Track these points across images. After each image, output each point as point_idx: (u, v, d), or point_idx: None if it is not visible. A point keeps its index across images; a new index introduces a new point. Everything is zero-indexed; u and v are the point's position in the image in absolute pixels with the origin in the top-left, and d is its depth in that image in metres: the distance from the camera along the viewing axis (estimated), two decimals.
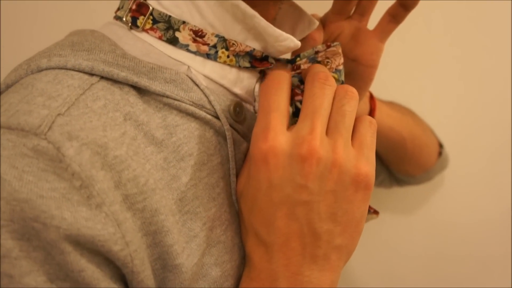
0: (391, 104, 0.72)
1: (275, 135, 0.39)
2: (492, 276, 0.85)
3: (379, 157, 0.74)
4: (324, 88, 0.41)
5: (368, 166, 0.40)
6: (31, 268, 0.33)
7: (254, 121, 0.46)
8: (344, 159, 0.39)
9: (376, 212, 0.50)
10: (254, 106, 0.48)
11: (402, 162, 0.74)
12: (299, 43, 0.44)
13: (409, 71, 0.85)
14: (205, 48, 0.43)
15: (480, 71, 0.82)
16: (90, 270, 0.35)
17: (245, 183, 0.42)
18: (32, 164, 0.34)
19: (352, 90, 0.42)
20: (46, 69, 0.39)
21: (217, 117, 0.43)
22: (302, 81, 0.45)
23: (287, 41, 0.43)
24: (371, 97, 0.63)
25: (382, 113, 0.65)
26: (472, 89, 0.83)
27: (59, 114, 0.35)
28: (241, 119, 0.45)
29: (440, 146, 0.80)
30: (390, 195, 0.88)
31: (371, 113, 0.63)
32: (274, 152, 0.39)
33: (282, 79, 0.42)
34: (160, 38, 0.43)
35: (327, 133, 0.40)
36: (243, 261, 0.44)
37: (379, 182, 0.78)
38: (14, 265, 0.33)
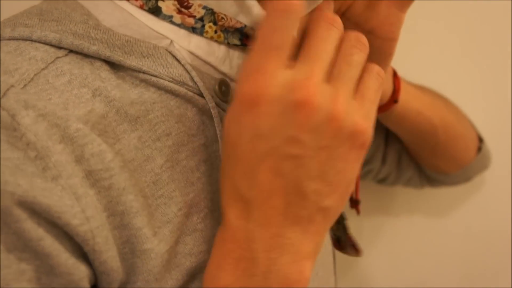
0: (420, 86, 0.64)
1: (269, 76, 0.33)
2: (492, 276, 0.84)
3: (407, 149, 0.65)
4: (330, 29, 0.36)
5: (367, 123, 0.35)
6: None
7: None
8: (345, 112, 0.34)
9: (358, 252, 0.46)
10: None
11: (433, 156, 0.64)
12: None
13: (409, 71, 0.85)
14: (190, 21, 0.39)
15: (480, 71, 0.81)
16: (49, 239, 0.32)
17: (226, 126, 0.36)
18: None
19: (365, 40, 0.36)
20: (9, 39, 0.36)
21: (201, 95, 0.39)
22: None
23: None
24: (395, 75, 0.55)
25: (409, 94, 0.56)
26: (471, 89, 0.82)
27: (12, 86, 0.33)
28: (227, 99, 0.41)
29: (480, 140, 0.69)
30: (390, 194, 0.87)
31: (395, 94, 0.54)
32: (265, 96, 0.33)
33: (293, 9, 0.33)
34: (141, 7, 0.39)
35: (328, 81, 0.35)
36: None
37: (406, 180, 0.70)
38: None
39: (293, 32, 0.34)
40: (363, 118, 0.35)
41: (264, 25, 0.34)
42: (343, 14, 0.44)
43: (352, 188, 0.37)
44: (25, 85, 0.33)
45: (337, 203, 0.36)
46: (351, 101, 0.35)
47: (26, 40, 0.36)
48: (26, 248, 0.32)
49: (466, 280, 0.85)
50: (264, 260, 0.35)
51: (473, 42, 0.80)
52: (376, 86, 0.37)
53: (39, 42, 0.36)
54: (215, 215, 0.40)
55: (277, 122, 0.33)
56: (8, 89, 0.32)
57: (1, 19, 0.41)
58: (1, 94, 0.32)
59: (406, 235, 0.89)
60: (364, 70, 0.37)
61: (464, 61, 0.84)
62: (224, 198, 0.37)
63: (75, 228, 0.33)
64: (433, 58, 0.85)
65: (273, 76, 0.33)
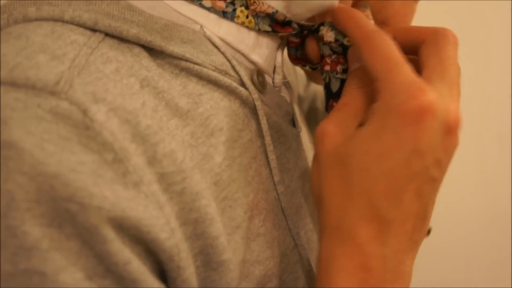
0: None
1: (430, 93, 0.31)
2: (492, 276, 0.85)
3: None
4: (457, 52, 0.35)
5: None
6: (66, 262, 0.26)
7: (274, 94, 0.39)
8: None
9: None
10: (273, 78, 0.41)
11: None
12: (336, 1, 0.37)
13: None
14: (221, 5, 0.36)
15: (480, 71, 0.82)
16: (136, 262, 0.27)
17: (360, 135, 0.32)
18: (51, 131, 0.26)
19: None
20: (36, 20, 0.31)
21: (243, 86, 0.36)
22: (334, 51, 0.39)
23: None
24: None
25: None
26: (472, 89, 0.83)
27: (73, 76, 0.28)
28: (265, 90, 0.38)
29: None
30: None
31: None
32: (433, 110, 0.31)
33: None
34: None
35: None
36: (283, 259, 0.37)
37: None
38: (46, 259, 0.26)
39: None
40: None
41: (367, 39, 0.35)
42: (356, 5, 0.42)
43: None
44: (79, 73, 0.28)
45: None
46: None
47: (56, 21, 0.31)
48: (107, 274, 0.27)
49: (467, 280, 0.85)
50: None
51: (473, 42, 0.81)
52: None
53: (72, 23, 0.31)
54: (271, 216, 0.37)
55: (435, 141, 0.32)
56: (73, 79, 0.28)
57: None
58: (66, 85, 0.27)
59: None
60: None
61: (464, 61, 0.83)
62: (351, 215, 0.32)
63: (162, 243, 0.28)
64: None
65: (432, 92, 0.32)
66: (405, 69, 0.33)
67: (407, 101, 0.31)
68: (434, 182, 0.33)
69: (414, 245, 0.33)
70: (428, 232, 0.43)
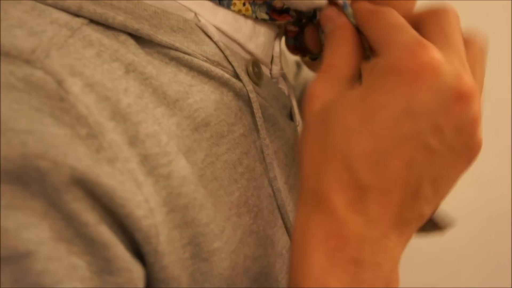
0: None
1: (436, 52, 0.29)
2: (492, 276, 0.84)
3: None
4: (459, 23, 0.32)
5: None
6: (29, 220, 0.25)
7: (270, 86, 0.38)
8: (481, 120, 0.30)
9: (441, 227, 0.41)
10: (270, 69, 0.39)
11: None
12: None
13: None
14: None
15: None
16: (106, 227, 0.26)
17: (349, 94, 0.30)
18: (21, 100, 0.25)
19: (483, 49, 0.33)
20: None
21: (236, 77, 0.34)
22: None
23: None
24: None
25: None
26: None
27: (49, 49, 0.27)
28: (260, 82, 0.36)
29: None
30: None
31: None
32: (433, 68, 0.28)
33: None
34: None
35: None
36: (279, 259, 0.35)
37: None
38: (6, 216, 0.25)
39: None
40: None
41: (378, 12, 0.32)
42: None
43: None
44: (57, 49, 0.27)
45: (430, 213, 0.32)
46: None
47: (38, 2, 0.29)
48: (75, 239, 0.26)
49: (467, 280, 0.85)
50: (371, 264, 0.30)
51: None
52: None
53: (55, 7, 0.30)
54: (265, 214, 0.35)
55: (433, 103, 0.28)
56: (49, 49, 0.26)
57: None
58: (42, 54, 0.26)
59: None
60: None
61: None
62: (325, 179, 0.29)
63: (138, 220, 0.27)
64: None
65: (437, 52, 0.29)
66: (410, 30, 0.30)
67: (406, 57, 0.29)
68: (431, 153, 0.29)
69: (402, 222, 0.30)
70: (442, 227, 0.40)
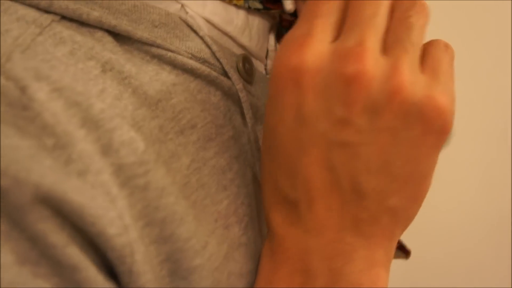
0: None
1: (314, 44, 0.27)
2: (492, 276, 0.84)
3: None
4: (419, 12, 0.29)
5: (446, 97, 0.27)
6: None
7: (264, 83, 0.35)
8: (411, 83, 0.27)
9: (406, 252, 0.39)
10: (265, 65, 0.37)
11: None
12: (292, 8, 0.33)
13: None
14: None
15: (480, 71, 0.83)
16: (75, 248, 0.24)
17: (266, 112, 0.30)
18: None
19: (423, 3, 0.30)
20: None
21: (225, 75, 0.32)
22: None
23: None
24: None
25: None
26: (471, 89, 0.83)
27: (11, 52, 0.25)
28: (252, 79, 0.34)
29: None
30: None
31: None
32: (307, 67, 0.26)
33: None
34: None
35: (384, 51, 0.28)
36: None
37: None
38: None
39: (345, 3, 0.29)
40: (439, 91, 0.27)
41: None
42: None
43: (428, 185, 0.30)
44: (22, 52, 0.25)
45: (406, 203, 0.29)
46: (418, 73, 0.28)
47: None
48: (42, 260, 0.24)
49: (467, 280, 0.85)
50: (325, 271, 0.29)
51: (473, 42, 0.82)
52: (448, 59, 0.29)
53: (23, 3, 0.27)
54: (256, 223, 0.33)
55: (323, 100, 0.27)
56: (11, 51, 0.24)
57: None
58: (3, 58, 0.24)
59: (404, 235, 0.89)
60: (427, 44, 0.30)
61: (464, 61, 0.84)
62: (265, 202, 0.31)
63: (111, 239, 0.24)
64: None
65: (317, 45, 0.27)
66: (312, 21, 0.28)
67: (281, 60, 0.27)
68: (348, 147, 0.27)
69: (359, 223, 0.29)
70: (407, 253, 0.39)
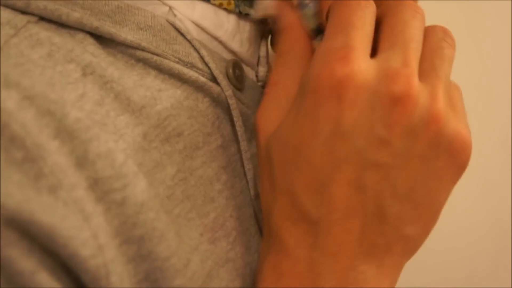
0: None
1: (358, 58, 0.26)
2: (492, 276, 0.84)
3: None
4: (416, 16, 0.29)
5: (469, 133, 0.28)
6: None
7: (255, 91, 0.34)
8: (446, 114, 0.27)
9: None
10: (257, 72, 0.35)
11: None
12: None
13: None
14: None
15: (480, 71, 0.82)
16: (44, 273, 0.22)
17: (282, 123, 0.29)
18: None
19: (452, 35, 0.30)
20: None
21: (213, 81, 0.31)
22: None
23: None
24: None
25: None
26: (471, 89, 0.82)
27: None
28: (242, 86, 0.33)
29: None
30: None
31: None
32: (354, 81, 0.26)
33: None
34: None
35: (419, 76, 0.27)
36: None
37: None
38: None
39: (374, 16, 0.29)
40: (465, 128, 0.28)
41: (340, 4, 0.28)
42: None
43: (439, 215, 0.29)
44: None
45: (421, 232, 0.29)
46: (448, 103, 0.28)
47: None
48: (10, 286, 0.22)
49: (466, 279, 0.85)
50: None
51: (473, 42, 0.81)
52: (460, 96, 0.30)
53: None
54: (245, 238, 0.31)
55: (364, 117, 0.26)
56: None
57: None
58: None
59: None
60: None
61: (464, 61, 0.84)
62: (277, 217, 0.29)
63: (85, 261, 0.23)
64: None
65: (361, 59, 0.26)
66: (349, 33, 0.27)
67: (323, 73, 0.26)
68: (382, 169, 0.27)
69: (373, 249, 0.28)
70: None
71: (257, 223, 0.32)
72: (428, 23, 0.85)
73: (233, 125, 0.32)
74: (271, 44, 0.36)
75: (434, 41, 0.29)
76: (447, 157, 0.27)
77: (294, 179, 0.28)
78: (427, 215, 0.28)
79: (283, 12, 0.32)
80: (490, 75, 0.81)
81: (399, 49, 0.27)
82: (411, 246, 0.29)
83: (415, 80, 0.26)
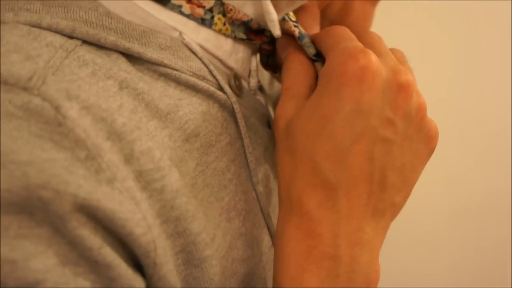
0: None
1: (374, 56, 0.33)
2: (492, 276, 0.85)
3: None
4: (382, 40, 0.38)
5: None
6: (36, 249, 0.26)
7: (250, 97, 0.41)
8: (426, 106, 0.34)
9: None
10: (248, 82, 0.42)
11: None
12: (279, 33, 0.38)
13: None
14: (200, 12, 0.37)
15: (480, 71, 0.82)
16: (108, 248, 0.28)
17: (304, 105, 0.34)
18: (21, 128, 0.26)
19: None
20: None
21: (221, 90, 0.37)
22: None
23: (271, 23, 0.37)
24: None
25: None
26: (472, 89, 0.83)
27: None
28: (241, 94, 0.39)
29: None
30: None
31: None
32: (373, 69, 0.32)
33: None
34: None
35: None
36: (263, 257, 0.38)
37: None
38: (14, 246, 0.25)
39: None
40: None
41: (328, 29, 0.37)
42: (321, 13, 0.45)
43: (411, 189, 0.36)
44: (53, 73, 0.28)
45: (402, 201, 0.35)
46: None
47: (34, 27, 0.31)
48: (80, 261, 0.27)
49: (466, 279, 0.85)
50: (347, 258, 0.32)
51: (473, 42, 0.81)
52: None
53: (49, 30, 0.31)
54: (251, 216, 0.37)
55: (378, 99, 0.32)
56: (45, 75, 0.28)
57: None
58: (39, 81, 0.27)
59: (404, 235, 0.88)
60: None
61: (464, 61, 0.83)
62: (298, 184, 0.33)
63: (138, 238, 0.28)
64: (433, 57, 0.84)
65: (374, 55, 0.33)
66: (353, 40, 0.35)
67: (348, 62, 0.33)
68: (388, 144, 0.33)
69: (375, 213, 0.33)
70: None
71: (259, 204, 0.38)
72: (428, 23, 0.88)
73: (237, 125, 0.38)
74: (260, 61, 0.43)
75: (397, 56, 0.36)
76: (425, 140, 0.35)
77: (316, 150, 0.32)
78: (409, 187, 0.35)
79: (288, 42, 0.39)
80: (490, 76, 0.81)
81: (385, 57, 0.34)
82: (396, 211, 0.35)
83: (413, 75, 0.33)
